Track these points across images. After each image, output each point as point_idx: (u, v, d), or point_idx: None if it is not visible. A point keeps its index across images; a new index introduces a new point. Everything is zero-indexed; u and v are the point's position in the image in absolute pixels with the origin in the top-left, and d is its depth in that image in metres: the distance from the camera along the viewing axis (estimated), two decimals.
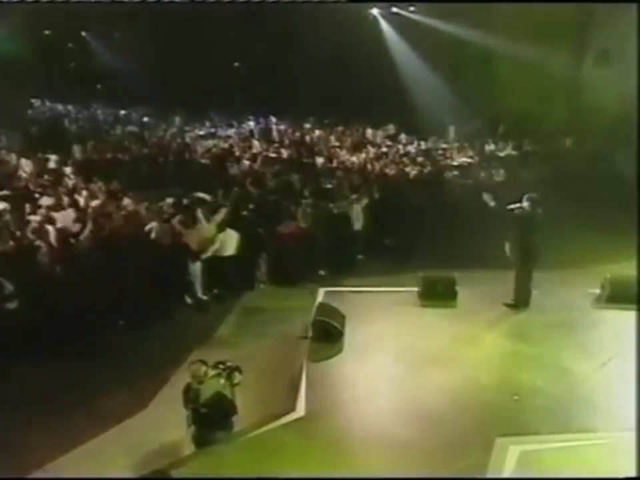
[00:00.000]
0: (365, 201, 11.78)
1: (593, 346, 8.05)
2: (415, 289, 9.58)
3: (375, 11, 21.20)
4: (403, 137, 18.68)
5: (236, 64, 24.07)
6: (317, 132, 19.38)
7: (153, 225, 9.67)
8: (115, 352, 7.97)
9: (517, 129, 17.69)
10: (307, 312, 8.69)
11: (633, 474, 5.27)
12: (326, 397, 6.92)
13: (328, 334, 8.15)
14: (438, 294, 9.43)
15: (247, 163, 15.06)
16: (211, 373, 5.96)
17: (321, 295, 9.66)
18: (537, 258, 9.11)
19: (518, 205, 9.08)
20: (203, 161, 15.76)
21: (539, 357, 7.73)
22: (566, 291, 9.53)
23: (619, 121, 16.09)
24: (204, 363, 6.01)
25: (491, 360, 7.76)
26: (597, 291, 9.55)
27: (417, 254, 11.11)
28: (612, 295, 9.26)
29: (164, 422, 6.29)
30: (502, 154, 16.96)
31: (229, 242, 9.87)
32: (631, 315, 8.66)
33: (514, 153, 16.98)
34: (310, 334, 8.22)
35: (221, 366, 6.03)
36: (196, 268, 9.65)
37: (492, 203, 9.83)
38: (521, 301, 9.15)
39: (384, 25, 21.17)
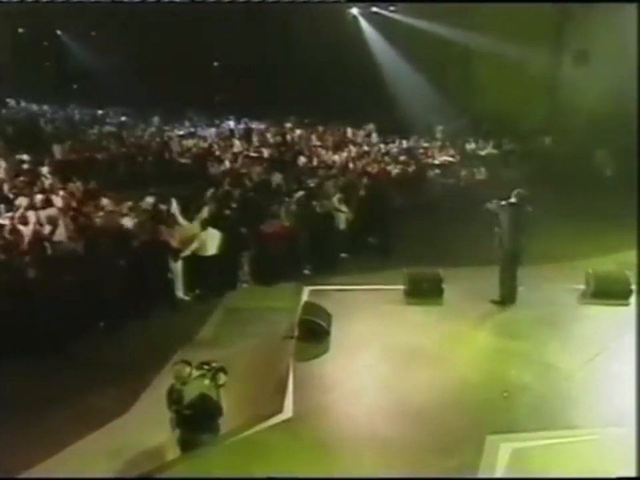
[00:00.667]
0: (352, 209, 11.64)
1: (579, 342, 8.03)
2: (401, 286, 9.50)
3: (354, 11, 21.16)
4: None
5: (215, 63, 23.89)
6: (298, 131, 19.30)
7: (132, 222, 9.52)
8: (96, 354, 7.78)
9: (498, 128, 17.79)
10: (291, 311, 8.58)
11: (622, 469, 5.24)
12: (313, 397, 6.78)
13: (314, 333, 8.02)
14: (424, 292, 9.35)
15: (227, 162, 14.91)
16: (195, 373, 5.78)
17: (306, 293, 9.54)
18: (522, 254, 9.09)
19: (506, 201, 9.04)
20: (183, 160, 15.62)
21: (527, 353, 7.70)
22: (550, 286, 9.55)
23: (597, 120, 16.25)
24: (188, 363, 5.84)
25: (479, 357, 7.72)
26: (582, 286, 9.57)
27: (401, 252, 11.09)
28: (596, 291, 9.29)
29: (148, 424, 6.12)
30: (483, 153, 17.08)
31: (211, 241, 9.70)
32: (615, 310, 8.76)
33: (494, 151, 17.11)
34: (296, 333, 8.09)
35: (206, 367, 5.84)
36: (177, 268, 9.50)
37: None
38: (507, 298, 9.12)
39: (364, 24, 21.14)
